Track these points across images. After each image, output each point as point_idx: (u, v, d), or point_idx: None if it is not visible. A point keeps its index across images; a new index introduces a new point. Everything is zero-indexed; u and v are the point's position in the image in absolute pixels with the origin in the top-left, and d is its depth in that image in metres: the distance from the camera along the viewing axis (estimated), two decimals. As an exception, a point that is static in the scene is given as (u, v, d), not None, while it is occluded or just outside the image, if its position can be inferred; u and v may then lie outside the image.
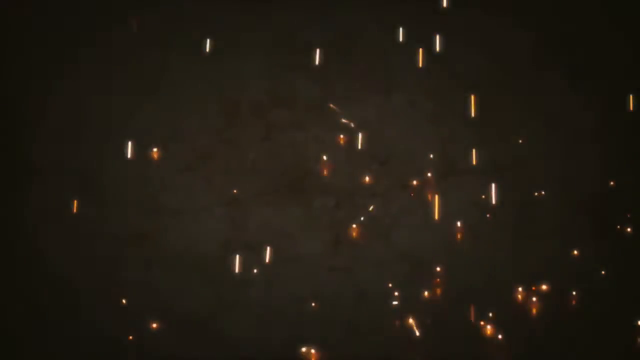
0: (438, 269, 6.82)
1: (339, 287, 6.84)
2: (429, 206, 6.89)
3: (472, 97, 6.86)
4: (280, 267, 6.87)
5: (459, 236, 6.86)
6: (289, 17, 7.04)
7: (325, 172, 6.97)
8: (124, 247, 6.84)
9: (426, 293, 6.81)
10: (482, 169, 6.95)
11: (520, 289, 6.78)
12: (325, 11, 7.04)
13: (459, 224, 6.87)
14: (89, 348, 6.69)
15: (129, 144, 6.89)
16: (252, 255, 6.86)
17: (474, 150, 6.92)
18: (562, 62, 7.01)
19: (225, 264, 6.86)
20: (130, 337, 6.73)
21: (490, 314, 6.76)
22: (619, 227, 6.85)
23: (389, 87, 7.01)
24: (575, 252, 6.83)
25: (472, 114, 6.85)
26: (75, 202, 6.86)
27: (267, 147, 7.01)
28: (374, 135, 7.00)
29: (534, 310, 6.77)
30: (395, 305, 6.78)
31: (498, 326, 6.74)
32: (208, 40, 6.97)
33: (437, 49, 6.89)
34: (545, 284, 6.78)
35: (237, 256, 6.80)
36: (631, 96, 6.91)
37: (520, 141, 6.96)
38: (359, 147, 6.95)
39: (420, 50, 6.96)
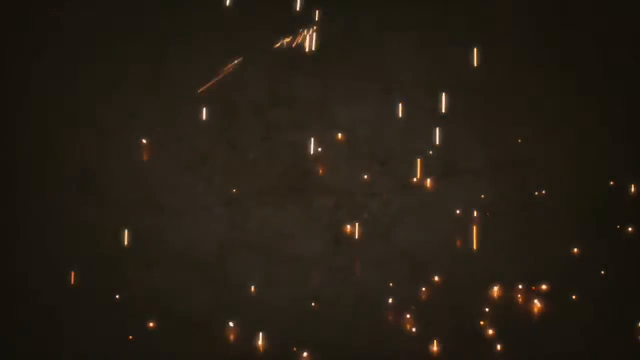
0: (438, 269, 6.82)
1: (339, 287, 6.84)
2: (429, 206, 6.89)
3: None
4: (280, 267, 6.87)
5: (458, 236, 6.86)
6: (289, 16, 7.04)
7: (326, 172, 6.97)
8: (124, 247, 6.84)
9: (426, 293, 6.80)
10: (482, 169, 6.95)
11: (520, 288, 6.78)
12: (325, 11, 7.03)
13: (458, 224, 6.87)
14: (89, 348, 6.69)
15: (130, 144, 6.90)
16: (252, 255, 6.87)
17: (473, 151, 6.93)
18: (562, 62, 7.01)
19: (225, 264, 6.86)
20: (131, 337, 6.73)
21: (490, 314, 6.75)
22: (619, 227, 6.85)
23: (389, 87, 7.01)
24: (575, 252, 6.82)
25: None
26: (75, 202, 6.86)
27: (267, 147, 7.00)
28: (374, 135, 7.00)
29: (534, 310, 6.77)
30: (395, 305, 6.78)
31: (498, 326, 6.74)
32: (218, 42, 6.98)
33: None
34: (545, 284, 6.78)
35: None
36: (631, 97, 6.92)
37: (520, 141, 6.96)
38: (360, 147, 6.96)
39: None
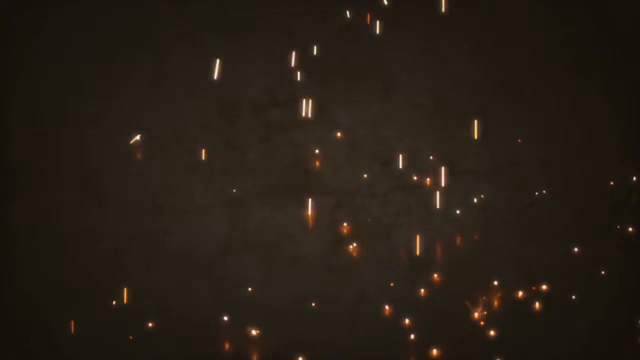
0: (437, 269, 6.82)
1: (339, 287, 6.84)
2: (429, 206, 6.89)
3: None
4: (280, 267, 6.87)
5: (458, 236, 6.86)
6: (289, 17, 7.04)
7: (325, 172, 6.97)
8: (124, 247, 6.84)
9: (426, 293, 6.80)
10: (482, 169, 6.95)
11: (520, 289, 6.78)
12: (326, 11, 7.03)
13: (458, 223, 6.87)
14: (89, 348, 6.69)
15: (130, 143, 6.90)
16: (252, 255, 6.87)
17: (474, 151, 6.94)
18: (562, 62, 7.01)
19: (225, 263, 6.86)
20: (131, 337, 6.73)
21: (490, 314, 6.75)
22: (619, 227, 6.85)
23: (389, 87, 7.01)
24: (575, 252, 6.82)
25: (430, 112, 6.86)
26: (75, 202, 6.86)
27: (267, 147, 7.00)
28: (374, 135, 7.00)
29: (534, 310, 6.76)
30: (395, 305, 6.78)
31: (498, 326, 6.74)
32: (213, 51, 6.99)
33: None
34: (545, 284, 6.78)
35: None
36: (631, 96, 6.92)
37: (520, 141, 6.96)
38: (360, 147, 6.96)
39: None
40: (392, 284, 6.81)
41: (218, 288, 6.82)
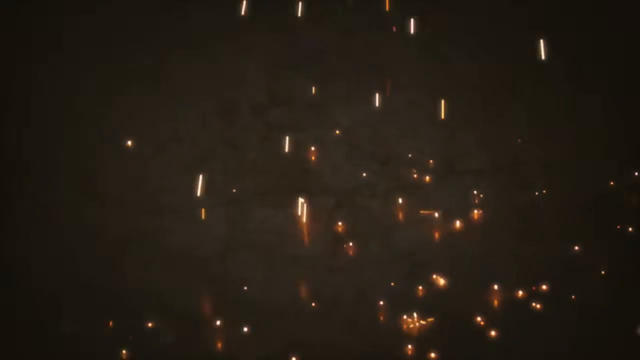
0: (437, 269, 6.82)
1: (339, 287, 6.84)
2: (429, 206, 6.90)
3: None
4: (280, 267, 6.87)
5: (458, 236, 6.86)
6: (289, 17, 7.05)
7: (326, 173, 6.98)
8: (124, 247, 6.84)
9: (425, 293, 6.80)
10: (482, 169, 6.95)
11: (520, 288, 6.78)
12: (326, 11, 7.05)
13: (458, 223, 6.87)
14: (89, 347, 6.69)
15: (129, 143, 6.91)
16: (252, 255, 6.87)
17: (473, 151, 6.94)
18: (562, 63, 7.01)
19: (225, 263, 6.86)
20: (131, 337, 6.73)
21: (490, 314, 6.75)
22: (619, 227, 6.84)
23: (389, 87, 7.01)
24: (576, 252, 6.82)
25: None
26: (75, 202, 6.87)
27: (267, 147, 7.01)
28: (374, 135, 7.00)
29: (534, 310, 6.76)
30: (395, 305, 6.77)
31: (498, 325, 6.73)
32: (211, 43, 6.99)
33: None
34: (545, 284, 6.78)
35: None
36: (631, 97, 6.93)
37: (520, 141, 6.96)
38: (360, 147, 6.97)
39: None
40: (392, 284, 6.81)
41: (218, 287, 6.82)
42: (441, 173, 6.95)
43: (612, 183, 6.88)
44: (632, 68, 6.93)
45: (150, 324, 6.74)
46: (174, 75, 7.00)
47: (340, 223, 6.91)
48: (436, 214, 6.78)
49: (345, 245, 6.89)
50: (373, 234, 6.90)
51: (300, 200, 6.81)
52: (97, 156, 6.91)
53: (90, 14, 7.01)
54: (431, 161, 6.97)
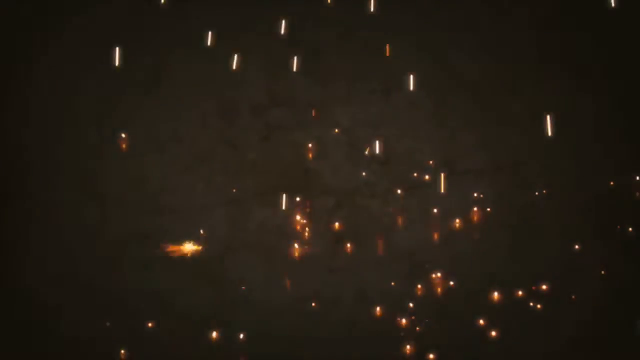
0: (437, 268, 6.82)
1: (339, 287, 6.84)
2: (429, 206, 6.90)
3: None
4: (280, 267, 6.87)
5: (458, 236, 6.86)
6: (290, 17, 7.04)
7: (326, 173, 6.98)
8: (124, 247, 6.84)
9: (425, 293, 6.80)
10: (482, 169, 6.95)
11: (520, 288, 6.78)
12: (326, 11, 7.04)
13: (458, 223, 6.87)
14: (88, 347, 6.69)
15: (129, 144, 6.91)
16: (252, 255, 6.87)
17: (473, 151, 6.94)
18: (563, 63, 7.01)
19: (225, 263, 6.86)
20: (130, 337, 6.73)
21: (490, 313, 6.75)
22: (619, 227, 6.84)
23: (389, 87, 7.01)
24: (576, 252, 6.82)
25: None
26: (76, 202, 6.87)
27: (267, 147, 7.01)
28: (374, 135, 7.00)
29: (534, 310, 6.76)
30: (395, 305, 6.78)
31: (498, 325, 6.74)
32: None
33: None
34: (545, 284, 6.78)
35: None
36: (631, 97, 6.93)
37: (520, 141, 6.96)
38: (360, 147, 6.97)
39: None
40: (392, 284, 6.81)
41: (218, 288, 6.82)
42: (441, 173, 6.94)
43: (612, 183, 6.88)
44: (632, 68, 6.92)
45: (150, 324, 6.75)
46: (174, 75, 7.00)
47: (340, 223, 6.91)
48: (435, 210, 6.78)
49: (345, 245, 6.89)
50: (373, 234, 6.90)
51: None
52: (97, 156, 6.91)
53: (91, 14, 7.00)
54: (431, 161, 6.97)
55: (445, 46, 7.00)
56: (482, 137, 6.97)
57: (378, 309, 6.77)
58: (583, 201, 6.87)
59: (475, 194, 6.91)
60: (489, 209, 6.90)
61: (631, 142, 6.91)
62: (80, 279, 6.76)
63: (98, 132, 6.94)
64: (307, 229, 6.91)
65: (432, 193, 6.93)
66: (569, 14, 7.02)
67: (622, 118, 6.93)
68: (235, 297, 6.81)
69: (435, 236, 6.88)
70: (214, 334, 6.75)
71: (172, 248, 6.80)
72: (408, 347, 6.70)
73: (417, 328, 6.75)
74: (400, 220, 6.93)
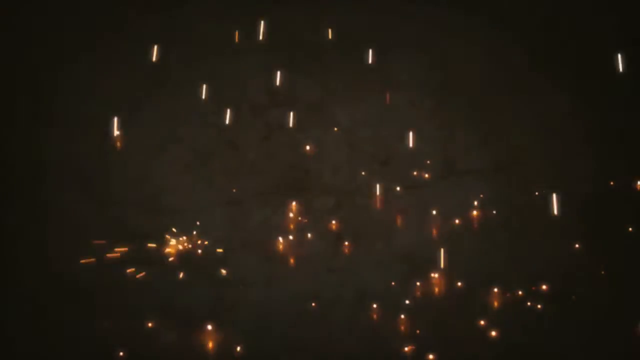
0: (437, 269, 6.82)
1: (339, 287, 6.84)
2: (429, 206, 6.90)
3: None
4: (280, 267, 6.87)
5: (458, 236, 6.86)
6: (290, 17, 7.05)
7: (326, 173, 6.98)
8: (124, 247, 6.84)
9: (425, 293, 6.80)
10: (482, 169, 6.95)
11: (520, 288, 6.78)
12: (326, 11, 7.05)
13: (458, 223, 6.87)
14: (88, 347, 6.69)
15: (130, 144, 6.92)
16: (252, 255, 6.87)
17: (473, 151, 6.94)
18: (562, 63, 7.01)
19: (225, 263, 6.86)
20: (130, 337, 6.73)
21: (490, 314, 6.75)
22: (619, 227, 6.84)
23: (389, 87, 7.02)
24: (575, 252, 6.82)
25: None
26: (75, 202, 6.87)
27: (267, 147, 7.01)
28: (374, 135, 7.00)
29: (534, 310, 6.76)
30: (395, 305, 6.78)
31: (498, 325, 6.73)
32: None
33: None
34: (545, 284, 6.78)
35: None
36: (631, 97, 6.93)
37: (520, 141, 6.96)
38: (360, 147, 6.97)
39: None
40: (392, 284, 6.81)
41: (218, 288, 6.82)
42: (441, 173, 6.95)
43: (612, 183, 6.88)
44: (632, 68, 6.93)
45: (150, 324, 6.75)
46: (174, 75, 7.00)
47: (340, 223, 6.91)
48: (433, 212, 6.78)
49: (345, 245, 6.89)
50: (373, 234, 6.90)
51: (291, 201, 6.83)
52: (97, 156, 6.91)
53: (91, 14, 7.01)
54: (431, 160, 6.97)
55: (445, 46, 7.01)
56: (482, 137, 6.97)
57: (378, 309, 6.77)
58: (583, 201, 6.87)
59: (475, 194, 6.91)
60: (488, 209, 6.90)
61: (631, 142, 6.91)
62: (80, 279, 6.76)
63: (98, 132, 6.94)
64: (307, 229, 6.91)
65: (432, 193, 6.93)
66: (569, 14, 7.02)
67: (623, 118, 6.93)
68: (235, 297, 6.81)
69: (435, 236, 6.88)
70: (214, 334, 6.75)
71: (171, 248, 6.81)
72: (408, 347, 6.70)
73: (417, 330, 6.75)
74: (400, 220, 6.93)
